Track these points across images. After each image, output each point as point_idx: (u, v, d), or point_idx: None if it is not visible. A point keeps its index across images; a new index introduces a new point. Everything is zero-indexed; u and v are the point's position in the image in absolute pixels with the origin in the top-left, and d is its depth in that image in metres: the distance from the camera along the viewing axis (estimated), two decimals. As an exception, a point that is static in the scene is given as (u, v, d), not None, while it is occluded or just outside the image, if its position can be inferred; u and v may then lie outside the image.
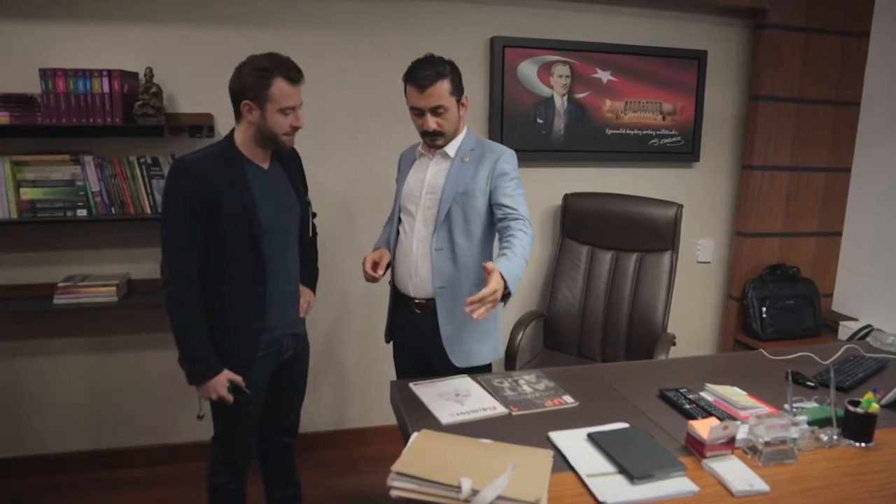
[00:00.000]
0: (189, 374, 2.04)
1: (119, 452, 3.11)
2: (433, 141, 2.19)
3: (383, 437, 3.33)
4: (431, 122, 2.13)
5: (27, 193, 2.64)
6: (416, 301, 2.29)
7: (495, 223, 2.18)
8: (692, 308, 3.72)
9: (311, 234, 2.37)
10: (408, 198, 2.29)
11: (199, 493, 2.39)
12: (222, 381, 2.03)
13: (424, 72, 2.09)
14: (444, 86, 2.09)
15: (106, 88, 2.61)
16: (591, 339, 3.21)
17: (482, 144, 2.26)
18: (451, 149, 2.23)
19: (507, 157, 2.21)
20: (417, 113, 2.16)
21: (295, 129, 2.05)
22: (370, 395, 3.35)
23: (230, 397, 2.05)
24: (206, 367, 2.02)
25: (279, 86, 1.95)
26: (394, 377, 2.37)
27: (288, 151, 2.20)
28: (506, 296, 1.84)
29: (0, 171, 2.61)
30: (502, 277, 1.81)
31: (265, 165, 2.10)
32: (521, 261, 1.96)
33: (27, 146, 2.72)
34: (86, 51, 2.72)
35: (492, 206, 2.18)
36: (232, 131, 2.07)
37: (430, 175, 2.25)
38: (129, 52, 2.77)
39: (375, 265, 2.23)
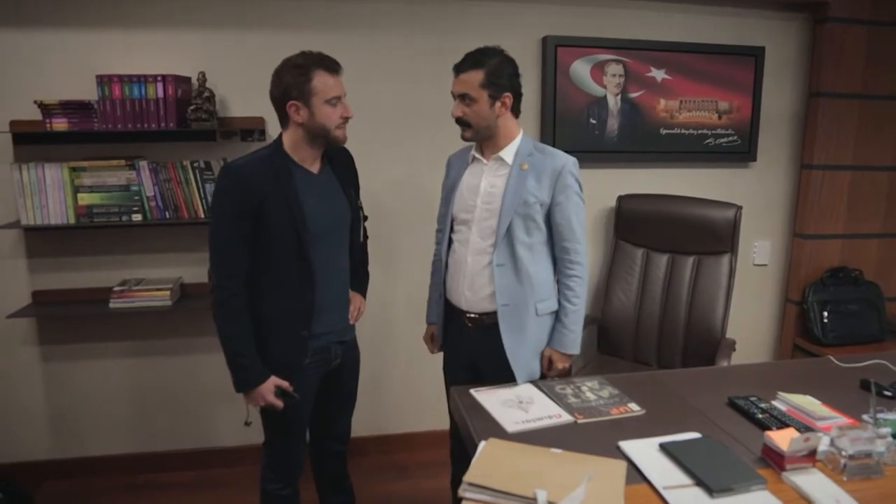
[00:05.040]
0: (235, 381, 2.02)
1: (170, 455, 3.13)
2: (462, 132, 2.13)
3: (434, 441, 3.28)
4: (457, 109, 2.09)
5: (84, 199, 2.68)
6: (469, 315, 2.19)
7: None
8: (748, 312, 3.60)
9: (362, 238, 2.31)
10: (461, 207, 2.19)
11: (250, 497, 2.39)
12: (269, 388, 2.01)
13: (466, 58, 2.07)
14: (474, 76, 2.03)
15: (160, 93, 2.62)
16: (647, 344, 3.12)
17: (540, 150, 2.15)
18: (507, 154, 2.12)
19: (570, 167, 2.11)
20: (454, 98, 2.13)
21: (345, 119, 2.01)
22: (421, 400, 3.32)
23: (279, 403, 2.02)
24: (253, 375, 1.99)
25: (320, 77, 1.93)
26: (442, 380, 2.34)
27: (340, 149, 2.16)
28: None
29: (59, 176, 2.65)
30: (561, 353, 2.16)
31: (315, 169, 2.07)
32: (572, 325, 2.15)
33: (84, 152, 2.75)
34: (140, 56, 2.75)
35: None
36: (280, 136, 2.05)
37: (486, 183, 2.14)
38: (183, 57, 2.79)
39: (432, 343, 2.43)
